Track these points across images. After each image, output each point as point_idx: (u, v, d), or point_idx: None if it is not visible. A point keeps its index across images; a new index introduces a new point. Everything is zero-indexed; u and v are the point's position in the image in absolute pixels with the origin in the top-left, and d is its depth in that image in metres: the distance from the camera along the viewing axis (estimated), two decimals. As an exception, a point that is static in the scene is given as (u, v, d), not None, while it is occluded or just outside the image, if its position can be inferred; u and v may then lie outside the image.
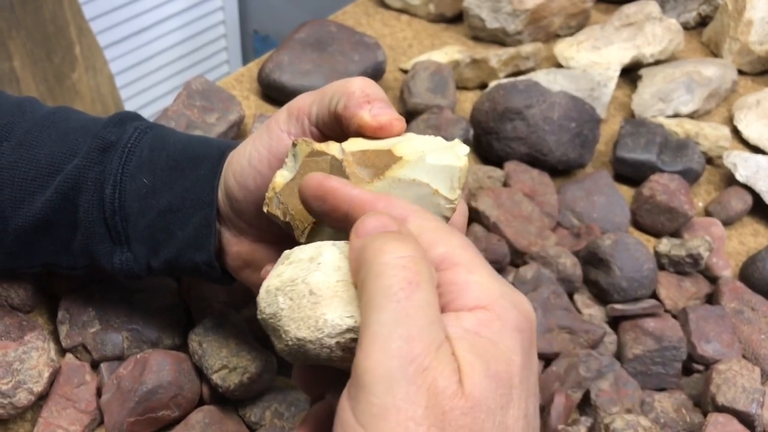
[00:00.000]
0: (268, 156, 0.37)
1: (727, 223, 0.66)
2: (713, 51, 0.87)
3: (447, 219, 0.32)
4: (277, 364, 0.46)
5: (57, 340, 0.48)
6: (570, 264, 0.56)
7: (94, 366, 0.48)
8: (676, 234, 0.64)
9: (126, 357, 0.47)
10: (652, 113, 0.74)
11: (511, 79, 0.70)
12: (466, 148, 0.32)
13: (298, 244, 0.33)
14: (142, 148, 0.41)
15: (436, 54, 0.78)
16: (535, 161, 0.66)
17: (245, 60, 1.92)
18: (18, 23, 0.93)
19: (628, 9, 0.81)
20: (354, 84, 0.34)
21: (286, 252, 0.31)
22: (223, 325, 0.46)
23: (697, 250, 0.57)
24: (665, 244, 0.59)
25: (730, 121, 0.77)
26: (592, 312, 0.56)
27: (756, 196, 0.67)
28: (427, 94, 0.70)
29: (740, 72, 0.84)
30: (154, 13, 1.62)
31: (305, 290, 0.28)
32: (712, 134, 0.71)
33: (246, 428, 0.46)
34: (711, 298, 0.59)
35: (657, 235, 0.64)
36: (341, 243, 0.30)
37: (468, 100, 0.76)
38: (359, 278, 0.27)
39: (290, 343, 0.28)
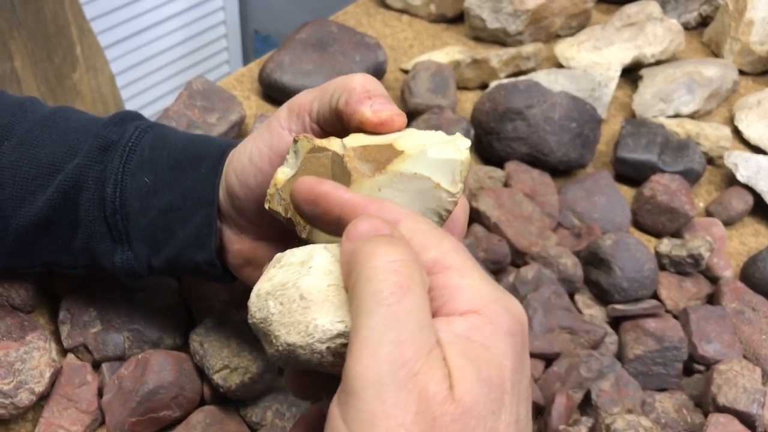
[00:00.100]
0: (269, 153, 0.37)
1: (728, 223, 0.66)
2: (714, 51, 0.87)
3: (449, 213, 0.32)
4: (278, 365, 0.46)
5: (58, 340, 0.49)
6: (571, 264, 0.56)
7: (96, 366, 0.48)
8: (676, 234, 0.64)
9: (127, 357, 0.47)
10: (652, 113, 0.74)
11: (512, 80, 0.70)
12: (468, 142, 0.32)
13: (300, 240, 0.33)
14: (143, 147, 0.42)
15: (436, 54, 0.78)
16: (535, 161, 0.66)
17: (246, 60, 1.92)
18: (19, 23, 0.93)
19: (629, 9, 0.81)
20: (355, 80, 0.34)
21: (278, 255, 0.31)
22: (224, 325, 0.47)
23: (698, 251, 0.57)
24: (666, 245, 0.59)
25: (730, 122, 0.78)
26: (593, 312, 0.56)
27: (757, 197, 0.67)
28: (427, 95, 0.70)
29: (741, 72, 0.84)
30: (154, 14, 1.62)
31: (296, 295, 0.28)
32: (712, 134, 0.71)
33: (247, 428, 0.46)
34: (712, 299, 0.59)
35: (658, 235, 0.64)
36: (333, 246, 0.30)
37: (469, 101, 0.76)
38: (350, 282, 0.27)
39: (281, 348, 0.28)
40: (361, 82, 0.34)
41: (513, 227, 0.59)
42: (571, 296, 0.57)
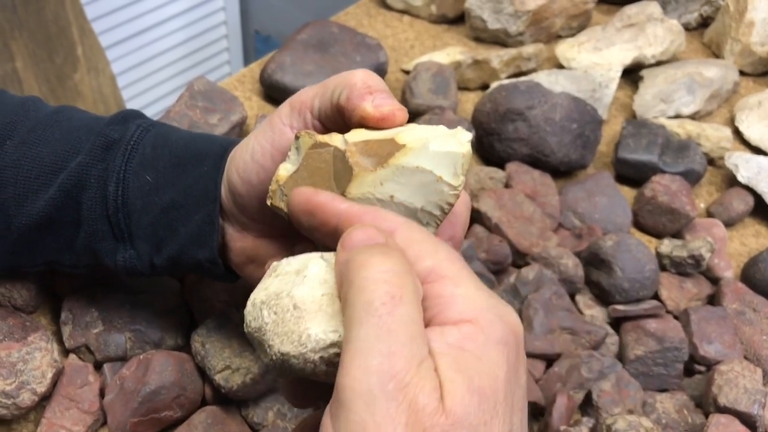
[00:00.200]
0: (271, 150, 0.37)
1: (729, 224, 0.66)
2: (714, 52, 0.87)
3: (451, 206, 0.32)
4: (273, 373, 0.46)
5: (60, 340, 0.49)
6: (572, 265, 0.56)
7: (97, 367, 0.48)
8: (677, 235, 0.64)
9: (129, 358, 0.47)
10: (653, 114, 0.74)
11: (513, 80, 0.70)
12: (469, 135, 0.32)
13: (301, 237, 0.33)
14: (145, 146, 0.42)
15: (437, 55, 0.78)
16: (536, 162, 0.66)
17: (246, 60, 1.92)
18: (20, 24, 0.93)
19: (629, 10, 0.81)
20: (356, 76, 0.34)
21: (274, 264, 0.31)
22: (225, 326, 0.47)
23: (699, 251, 0.57)
24: (667, 245, 0.59)
25: (731, 122, 0.78)
26: (594, 313, 0.56)
27: (757, 197, 0.67)
28: (428, 95, 0.70)
29: (742, 73, 0.84)
30: (155, 14, 1.62)
31: (289, 304, 0.28)
32: (713, 135, 0.71)
33: (249, 429, 0.46)
34: (712, 299, 0.59)
35: (658, 236, 0.64)
36: (330, 255, 0.30)
37: (469, 101, 0.76)
38: (342, 292, 0.27)
39: (274, 357, 0.28)
40: (362, 77, 0.34)
41: (514, 228, 0.59)
42: (572, 297, 0.57)
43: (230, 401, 0.47)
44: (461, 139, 0.32)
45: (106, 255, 0.42)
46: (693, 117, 0.75)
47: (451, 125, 0.65)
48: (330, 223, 0.31)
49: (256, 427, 0.46)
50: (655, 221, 0.64)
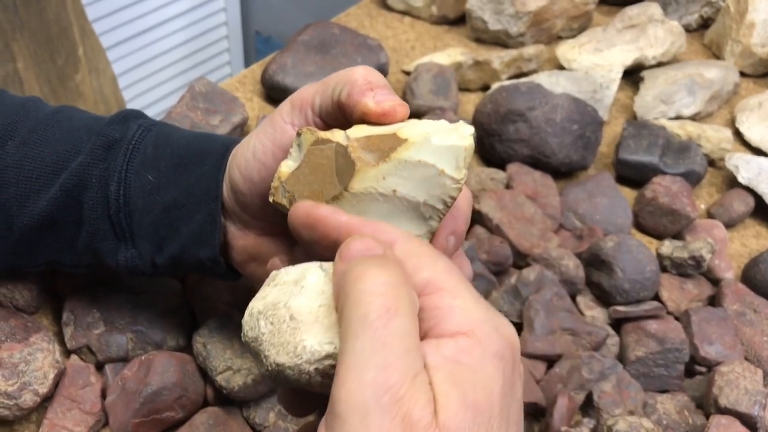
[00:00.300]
0: (272, 148, 0.37)
1: (730, 225, 0.66)
2: (715, 53, 0.87)
3: (453, 199, 0.32)
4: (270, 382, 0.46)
5: (62, 341, 0.49)
6: (572, 266, 0.56)
7: (99, 367, 0.48)
8: (678, 236, 0.64)
9: (130, 358, 0.47)
10: (654, 115, 0.74)
11: (514, 81, 0.70)
12: (471, 128, 0.32)
13: None
14: (146, 145, 0.42)
15: (438, 56, 0.78)
16: (537, 163, 0.66)
17: (247, 61, 1.92)
18: (21, 25, 0.93)
19: (630, 11, 0.81)
20: (356, 72, 0.34)
21: (273, 273, 0.31)
22: (227, 327, 0.47)
23: (700, 252, 0.57)
24: (667, 246, 0.59)
25: (732, 124, 0.78)
26: (595, 314, 0.56)
27: (758, 198, 0.67)
28: (429, 96, 0.70)
29: (742, 74, 0.84)
30: (156, 15, 1.62)
31: (286, 315, 0.28)
32: (714, 136, 0.71)
33: (250, 430, 0.46)
34: (713, 300, 0.59)
35: (659, 237, 0.64)
36: (329, 264, 0.30)
37: (470, 102, 0.76)
38: (339, 304, 0.27)
39: (270, 368, 0.28)
40: (362, 74, 0.34)
41: (515, 229, 0.59)
42: (573, 298, 0.57)
43: (232, 402, 0.47)
44: (463, 133, 0.32)
45: (108, 254, 0.42)
46: (693, 118, 0.76)
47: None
48: (330, 236, 0.31)
49: (257, 428, 0.46)
50: (655, 222, 0.64)
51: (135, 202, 0.41)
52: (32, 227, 0.42)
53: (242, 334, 0.30)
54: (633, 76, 0.80)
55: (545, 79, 0.74)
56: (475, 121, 0.68)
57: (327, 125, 0.36)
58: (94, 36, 1.08)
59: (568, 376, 0.51)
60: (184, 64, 1.77)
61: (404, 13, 0.88)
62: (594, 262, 0.57)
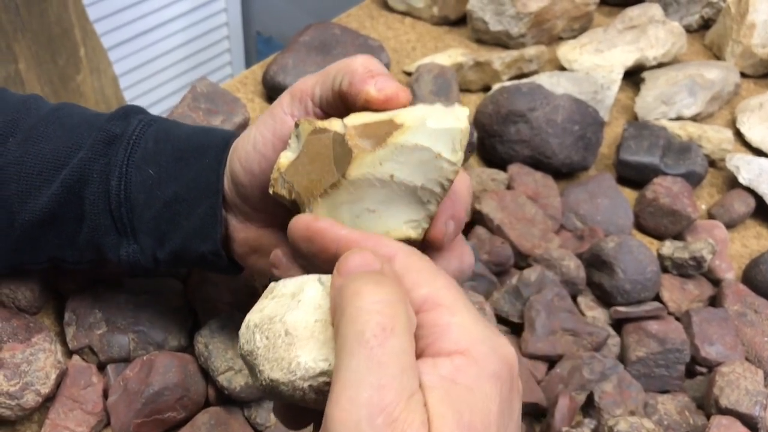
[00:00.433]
0: (272, 139, 0.37)
1: (730, 225, 0.66)
2: (716, 54, 0.87)
3: (450, 182, 0.32)
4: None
5: (64, 341, 0.49)
6: (573, 266, 0.56)
7: (101, 367, 0.48)
8: (679, 237, 0.64)
9: (132, 359, 0.48)
10: (655, 116, 0.74)
11: (515, 82, 0.70)
12: (466, 110, 0.32)
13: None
14: (147, 140, 0.42)
15: (439, 57, 0.78)
16: (538, 164, 0.66)
17: (248, 61, 1.92)
18: (23, 26, 0.93)
19: (631, 12, 0.81)
20: (356, 61, 0.34)
21: (272, 284, 0.31)
22: (228, 327, 0.47)
23: (700, 253, 0.58)
24: (668, 247, 0.59)
25: (732, 124, 0.78)
26: (596, 314, 0.56)
27: (759, 199, 0.67)
28: (430, 97, 0.70)
29: (743, 75, 0.84)
30: (157, 15, 1.63)
31: (281, 330, 0.28)
32: (714, 137, 0.71)
33: (251, 430, 0.46)
34: (714, 301, 0.59)
35: (660, 237, 0.64)
36: (327, 277, 0.30)
37: (471, 103, 0.76)
38: (335, 320, 0.27)
39: (264, 383, 0.28)
40: (362, 62, 0.34)
41: (516, 229, 0.59)
42: (574, 298, 0.57)
43: (233, 402, 0.47)
44: (458, 115, 0.31)
45: (110, 250, 0.42)
46: (694, 119, 0.76)
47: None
48: (329, 249, 0.30)
49: (258, 428, 0.46)
50: (656, 223, 0.64)
51: (136, 196, 0.41)
52: (34, 223, 0.42)
53: (239, 347, 0.30)
54: (634, 76, 0.80)
55: (546, 80, 0.75)
56: (476, 122, 0.68)
57: (327, 116, 0.36)
58: (95, 37, 1.08)
59: (569, 376, 0.51)
60: (186, 65, 1.77)
61: (405, 13, 0.88)
62: (595, 262, 0.57)
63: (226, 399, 0.47)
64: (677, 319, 0.56)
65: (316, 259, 0.31)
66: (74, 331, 0.48)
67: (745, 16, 0.83)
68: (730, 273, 0.60)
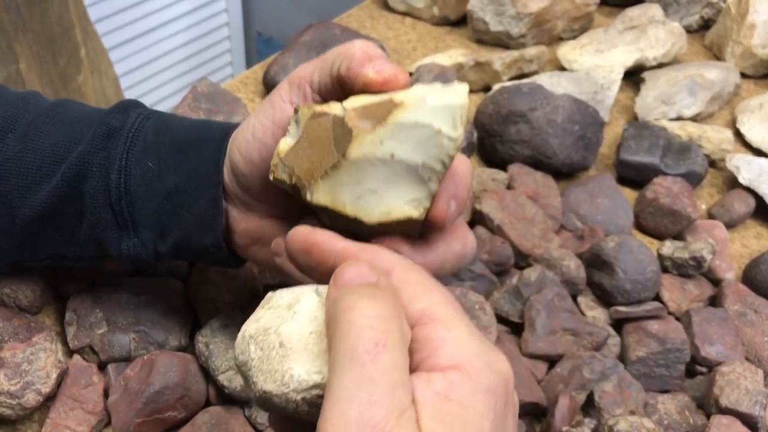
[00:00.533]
0: (272, 127, 0.37)
1: (730, 225, 0.66)
2: (716, 54, 0.87)
3: (451, 158, 0.32)
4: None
5: (64, 341, 0.49)
6: (574, 266, 0.56)
7: (102, 367, 0.48)
8: (679, 237, 0.64)
9: (133, 358, 0.48)
10: (655, 116, 0.74)
11: (515, 82, 0.70)
12: (465, 86, 0.32)
13: (305, 216, 0.32)
14: (146, 133, 0.42)
15: (439, 57, 0.78)
16: (538, 164, 0.66)
17: (249, 62, 1.92)
18: (24, 26, 0.93)
19: (631, 12, 0.81)
20: (354, 46, 0.34)
21: (269, 294, 0.31)
22: (229, 327, 0.47)
23: (700, 253, 0.58)
24: (668, 247, 0.59)
25: (733, 124, 0.78)
26: (596, 314, 0.56)
27: (759, 199, 0.67)
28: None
29: (743, 75, 0.84)
30: (158, 16, 1.63)
31: (276, 341, 0.28)
32: (715, 137, 0.71)
33: (252, 429, 0.46)
34: (714, 301, 0.59)
35: (660, 237, 0.64)
36: (324, 288, 0.29)
37: (472, 103, 0.76)
38: (329, 334, 0.26)
39: (258, 394, 0.28)
40: (360, 47, 0.34)
41: (516, 229, 0.59)
42: (574, 298, 0.57)
43: (234, 402, 0.47)
44: (458, 91, 0.31)
45: (111, 244, 0.42)
46: (694, 119, 0.76)
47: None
48: (327, 262, 0.30)
49: (259, 428, 0.46)
50: (656, 223, 0.64)
51: (136, 189, 0.41)
52: (34, 219, 0.42)
53: (234, 357, 0.30)
54: (634, 77, 0.80)
55: (546, 80, 0.75)
56: (477, 122, 0.68)
57: (326, 102, 0.36)
58: (96, 37, 1.08)
59: (569, 376, 0.51)
60: (186, 65, 1.77)
61: (405, 14, 0.88)
62: (595, 262, 0.57)
63: (227, 398, 0.47)
64: (677, 319, 0.56)
65: (314, 272, 0.31)
66: (75, 331, 0.48)
67: (745, 16, 0.83)
68: (730, 273, 0.60)
